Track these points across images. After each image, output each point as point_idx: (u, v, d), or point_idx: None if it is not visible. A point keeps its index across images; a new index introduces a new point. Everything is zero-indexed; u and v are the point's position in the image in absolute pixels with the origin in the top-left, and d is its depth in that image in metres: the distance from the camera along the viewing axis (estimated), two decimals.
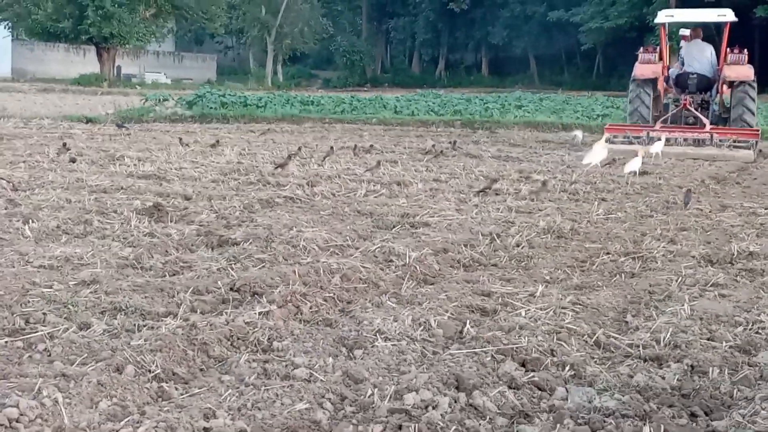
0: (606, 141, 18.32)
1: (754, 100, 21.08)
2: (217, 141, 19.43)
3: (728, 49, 21.07)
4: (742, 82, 20.95)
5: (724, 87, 21.44)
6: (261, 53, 78.34)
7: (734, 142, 20.15)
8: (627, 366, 5.45)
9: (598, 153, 16.26)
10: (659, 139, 18.40)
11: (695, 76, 21.24)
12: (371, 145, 19.16)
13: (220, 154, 16.95)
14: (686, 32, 22.17)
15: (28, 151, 16.28)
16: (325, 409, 4.60)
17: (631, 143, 19.77)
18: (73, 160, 14.75)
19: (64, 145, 16.56)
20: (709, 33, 23.61)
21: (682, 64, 21.76)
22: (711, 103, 21.47)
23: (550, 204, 11.82)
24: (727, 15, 21.11)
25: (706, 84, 21.40)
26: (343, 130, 25.72)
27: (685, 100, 21.17)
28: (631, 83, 21.62)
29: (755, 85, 20.98)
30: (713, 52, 21.49)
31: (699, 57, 21.44)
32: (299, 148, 17.78)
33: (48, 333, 5.61)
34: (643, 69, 21.37)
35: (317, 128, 26.43)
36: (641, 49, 21.89)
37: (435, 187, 13.13)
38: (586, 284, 7.60)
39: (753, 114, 21.16)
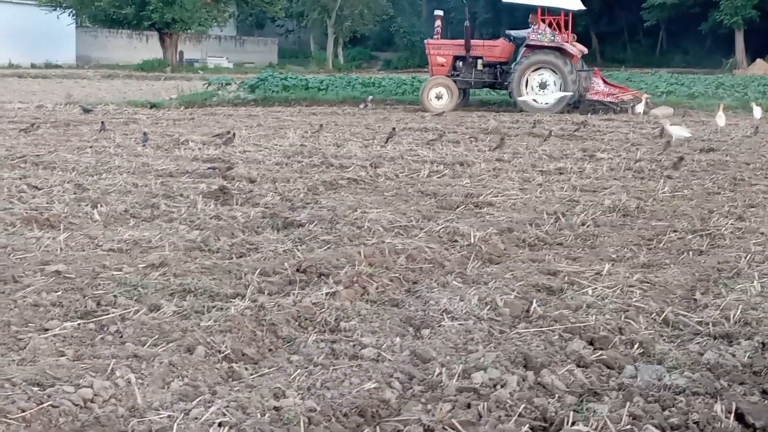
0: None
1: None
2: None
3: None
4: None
5: None
6: (321, 36, 78.30)
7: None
8: (696, 344, 5.41)
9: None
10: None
11: None
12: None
13: (284, 137, 17.02)
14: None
15: (94, 137, 16.48)
16: (393, 389, 4.63)
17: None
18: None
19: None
20: None
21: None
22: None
23: (614, 182, 11.73)
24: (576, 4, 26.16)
25: None
26: (405, 111, 25.70)
27: (597, 70, 27.13)
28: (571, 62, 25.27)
29: None
30: None
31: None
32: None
33: (119, 315, 5.70)
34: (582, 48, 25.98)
35: (379, 110, 26.40)
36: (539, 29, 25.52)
37: (498, 167, 13.08)
38: (653, 262, 7.54)
39: None
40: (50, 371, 4.63)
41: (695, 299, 6.44)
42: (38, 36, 62.42)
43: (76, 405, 4.23)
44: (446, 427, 4.16)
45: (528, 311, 6.01)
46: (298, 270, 6.81)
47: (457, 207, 9.80)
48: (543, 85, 25.32)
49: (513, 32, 27.18)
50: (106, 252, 7.47)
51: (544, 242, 8.37)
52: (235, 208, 9.50)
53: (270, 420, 4.20)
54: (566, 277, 6.87)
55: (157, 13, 57.31)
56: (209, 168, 12.15)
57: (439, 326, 5.65)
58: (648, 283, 6.66)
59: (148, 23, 59.43)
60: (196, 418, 4.17)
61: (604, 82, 26.45)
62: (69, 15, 61.89)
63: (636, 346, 5.31)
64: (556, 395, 4.58)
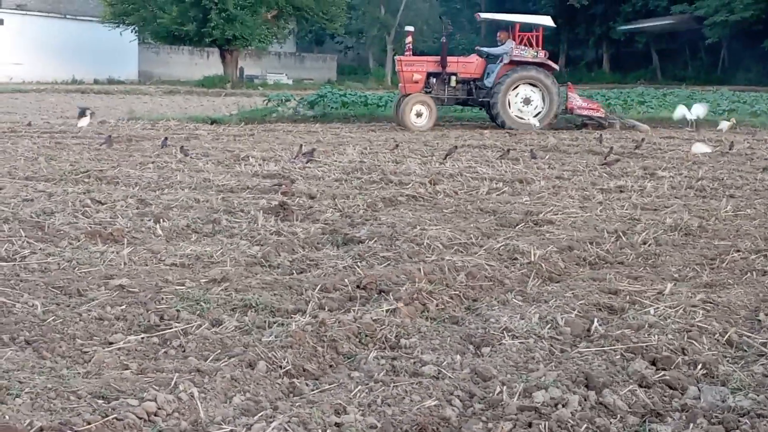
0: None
1: None
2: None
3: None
4: None
5: None
6: (380, 53, 78.73)
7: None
8: (761, 365, 5.34)
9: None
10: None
11: None
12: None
13: (343, 153, 17.09)
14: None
15: (156, 152, 16.67)
16: (454, 406, 4.63)
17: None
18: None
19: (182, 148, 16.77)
20: None
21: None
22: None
23: (676, 201, 11.63)
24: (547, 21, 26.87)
25: None
26: (464, 128, 25.67)
27: (570, 85, 27.03)
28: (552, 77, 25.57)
29: None
30: None
31: None
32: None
33: (182, 329, 5.76)
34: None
35: (437, 127, 26.37)
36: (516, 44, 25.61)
37: (558, 185, 13.03)
38: (716, 282, 7.46)
39: None
40: (115, 384, 4.69)
41: (759, 320, 6.36)
42: (101, 52, 63.50)
43: (140, 418, 4.28)
44: None
45: (589, 330, 5.98)
46: (358, 286, 6.84)
47: (517, 224, 9.77)
48: (527, 101, 25.35)
49: (485, 49, 27.01)
50: (168, 267, 7.56)
51: (604, 261, 8.32)
52: (296, 224, 9.56)
53: None
54: (627, 297, 6.82)
55: (218, 29, 57.90)
56: (276, 185, 12.23)
57: (500, 344, 5.64)
58: (711, 303, 6.59)
59: (209, 40, 60.03)
60: None
61: (579, 97, 26.48)
62: (132, 32, 62.87)
63: (699, 366, 5.26)
64: (618, 415, 4.56)
